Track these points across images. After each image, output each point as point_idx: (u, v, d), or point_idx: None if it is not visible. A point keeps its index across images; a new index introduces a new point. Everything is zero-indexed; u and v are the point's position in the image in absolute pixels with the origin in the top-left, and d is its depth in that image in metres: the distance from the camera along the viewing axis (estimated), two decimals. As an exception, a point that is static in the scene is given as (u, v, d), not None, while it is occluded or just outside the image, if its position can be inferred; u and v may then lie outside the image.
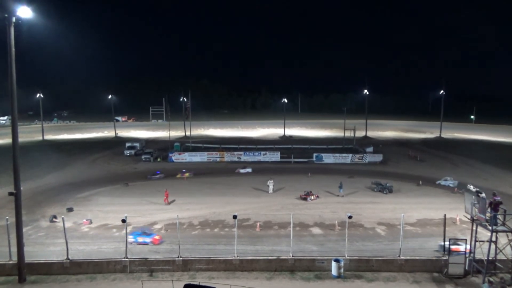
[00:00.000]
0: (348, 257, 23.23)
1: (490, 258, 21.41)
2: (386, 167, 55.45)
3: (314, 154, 59.88)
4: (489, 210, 21.40)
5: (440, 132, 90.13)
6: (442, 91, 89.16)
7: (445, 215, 24.80)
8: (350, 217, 24.48)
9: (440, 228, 26.37)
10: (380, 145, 74.51)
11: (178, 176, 47.65)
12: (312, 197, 38.04)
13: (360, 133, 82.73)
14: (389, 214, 33.35)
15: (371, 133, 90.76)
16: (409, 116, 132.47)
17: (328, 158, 59.14)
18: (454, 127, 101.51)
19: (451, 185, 43.63)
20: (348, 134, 76.34)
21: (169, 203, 36.19)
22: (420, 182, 44.41)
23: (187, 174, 47.68)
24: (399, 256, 23.28)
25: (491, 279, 21.47)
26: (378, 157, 59.53)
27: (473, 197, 22.94)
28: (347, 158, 59.16)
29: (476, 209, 22.31)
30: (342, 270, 22.36)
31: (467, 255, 22.47)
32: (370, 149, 66.17)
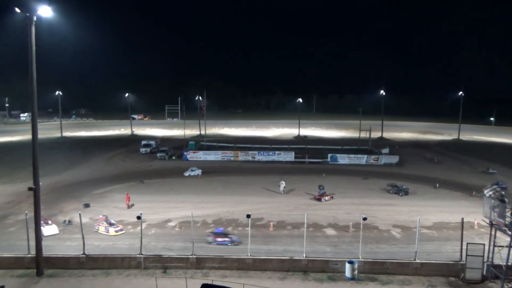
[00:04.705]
0: (362, 259, 23.00)
1: (509, 263, 20.86)
2: (402, 169, 54.65)
3: (329, 155, 59.44)
4: (509, 214, 20.87)
5: (459, 134, 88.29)
6: (461, 92, 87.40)
7: (462, 218, 24.31)
8: (364, 218, 24.25)
9: (457, 232, 25.88)
10: (396, 146, 73.43)
11: None
12: (326, 198, 37.78)
13: (375, 134, 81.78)
14: (405, 216, 32.87)
15: (387, 134, 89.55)
16: (426, 118, 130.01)
17: (343, 159, 58.62)
18: (473, 129, 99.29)
19: (198, 174, 47.94)
20: (364, 135, 75.51)
21: (129, 207, 34.88)
22: (437, 185, 43.65)
23: None
24: (414, 260, 22.94)
25: (509, 285, 20.95)
26: (394, 159, 58.72)
27: (492, 201, 22.41)
28: (362, 159, 58.54)
29: (495, 213, 21.79)
30: (356, 272, 22.15)
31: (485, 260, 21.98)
32: (386, 150, 65.32)
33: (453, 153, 68.64)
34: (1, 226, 30.41)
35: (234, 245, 25.83)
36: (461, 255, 22.75)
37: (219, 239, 26.55)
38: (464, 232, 23.82)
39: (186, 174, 48.46)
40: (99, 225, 29.20)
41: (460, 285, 21.79)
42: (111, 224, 29.01)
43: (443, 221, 32.00)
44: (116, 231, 28.48)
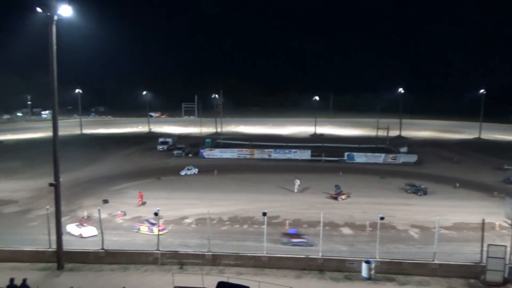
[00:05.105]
0: (379, 259, 22.71)
1: (532, 266, 20.29)
2: (421, 168, 53.75)
3: (346, 153, 58.87)
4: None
5: (480, 132, 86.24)
6: (482, 90, 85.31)
7: (483, 219, 23.71)
8: (382, 218, 23.89)
9: (478, 232, 25.25)
10: (414, 145, 72.20)
11: None
12: (343, 197, 37.48)
13: (393, 133, 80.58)
14: (423, 216, 32.30)
15: (406, 133, 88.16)
16: (445, 116, 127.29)
17: (360, 158, 58.01)
18: (494, 128, 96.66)
19: (194, 173, 47.85)
20: (381, 133, 74.50)
21: (138, 205, 34.88)
22: (457, 185, 42.76)
23: None
24: (433, 260, 22.53)
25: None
26: (413, 158, 57.79)
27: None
28: (379, 158, 57.80)
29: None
30: (372, 272, 21.90)
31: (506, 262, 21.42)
32: (404, 149, 64.29)
33: (473, 152, 67.11)
34: (24, 220, 31.34)
35: (309, 245, 25.43)
36: (481, 257, 22.22)
37: (295, 240, 26.28)
38: (485, 233, 23.22)
39: (183, 173, 47.94)
40: (140, 225, 28.77)
41: (480, 287, 21.30)
42: (152, 224, 28.48)
43: (463, 221, 31.34)
44: (161, 230, 27.64)
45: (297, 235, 26.87)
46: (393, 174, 48.63)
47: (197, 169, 48.74)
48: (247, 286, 17.20)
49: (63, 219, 25.69)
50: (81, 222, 28.84)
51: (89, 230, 27.58)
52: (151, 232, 27.81)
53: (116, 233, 28.02)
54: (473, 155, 64.23)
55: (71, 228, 27.89)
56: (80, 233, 27.25)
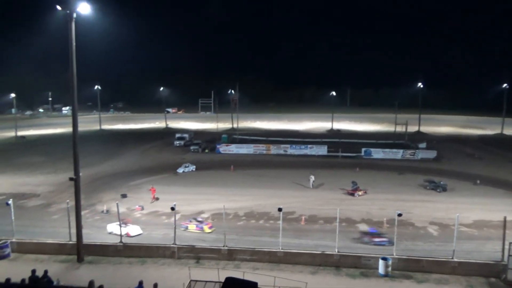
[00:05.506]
0: (397, 256, 22.44)
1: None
2: (440, 164, 52.70)
3: (363, 149, 58.21)
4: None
5: (502, 128, 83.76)
6: (505, 84, 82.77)
7: (505, 217, 23.05)
8: (400, 214, 23.54)
9: (499, 231, 24.63)
10: (434, 141, 70.80)
11: None
12: (360, 193, 37.13)
13: (412, 128, 79.14)
14: (442, 213, 31.71)
15: (425, 129, 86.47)
16: (466, 111, 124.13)
17: (378, 153, 57.26)
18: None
19: (192, 170, 46.96)
20: (400, 129, 73.32)
21: (154, 200, 35.05)
22: (478, 181, 41.75)
23: None
24: (452, 258, 22.11)
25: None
26: (432, 154, 56.72)
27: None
28: (397, 153, 56.95)
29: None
30: (389, 269, 21.66)
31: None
32: (423, 145, 63.14)
33: (495, 148, 65.30)
34: (46, 214, 32.23)
35: (392, 245, 24.82)
36: (502, 255, 21.69)
37: (377, 240, 26.16)
38: (506, 231, 22.62)
39: (180, 170, 46.94)
40: (187, 223, 28.39)
41: (501, 286, 20.80)
42: (200, 222, 28.56)
43: (483, 219, 30.65)
44: (210, 228, 28.14)
45: (378, 235, 26.68)
46: (412, 170, 47.88)
47: (194, 166, 48.25)
48: (255, 282, 17.10)
49: (83, 213, 26.30)
50: (124, 222, 27.79)
51: (135, 229, 27.41)
52: (201, 230, 27.92)
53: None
54: (494, 151, 62.52)
55: (113, 227, 27.47)
56: (127, 232, 26.73)
